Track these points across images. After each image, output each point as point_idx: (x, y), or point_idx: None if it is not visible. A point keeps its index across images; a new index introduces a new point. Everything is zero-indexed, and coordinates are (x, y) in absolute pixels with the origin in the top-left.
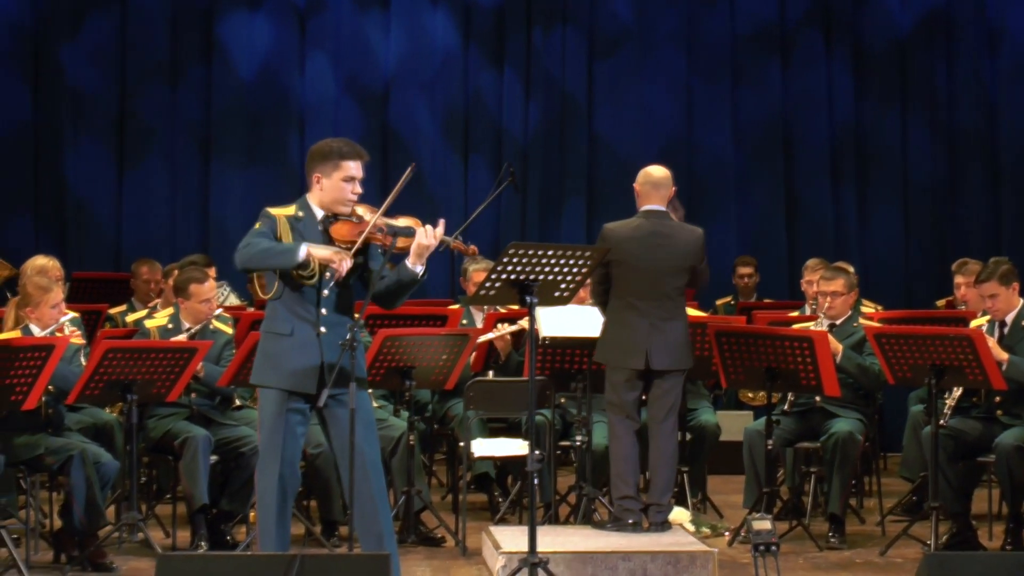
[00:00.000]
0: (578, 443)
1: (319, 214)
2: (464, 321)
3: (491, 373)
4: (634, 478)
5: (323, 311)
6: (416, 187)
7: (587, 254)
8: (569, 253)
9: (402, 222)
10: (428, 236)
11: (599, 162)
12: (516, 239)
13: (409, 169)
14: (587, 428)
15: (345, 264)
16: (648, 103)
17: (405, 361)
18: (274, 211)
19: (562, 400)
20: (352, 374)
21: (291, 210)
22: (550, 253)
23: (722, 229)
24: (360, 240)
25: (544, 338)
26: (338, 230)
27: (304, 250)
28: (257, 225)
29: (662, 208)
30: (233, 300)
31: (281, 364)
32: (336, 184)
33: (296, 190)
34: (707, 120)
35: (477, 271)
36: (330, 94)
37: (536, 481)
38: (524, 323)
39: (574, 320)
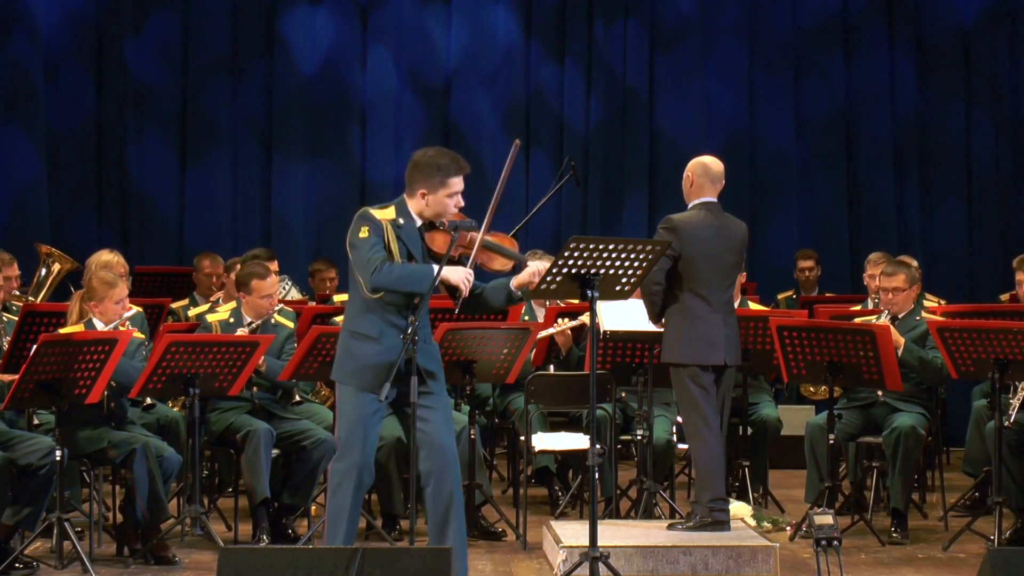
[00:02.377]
0: (639, 437)
1: (418, 222)
2: (525, 315)
3: (552, 367)
4: (723, 479)
5: (411, 318)
6: (477, 181)
7: (648, 247)
8: (630, 247)
9: (501, 242)
10: (535, 274)
11: (660, 156)
12: (577, 233)
13: (514, 150)
14: (648, 422)
15: (468, 287)
16: (710, 96)
17: (466, 355)
18: (377, 214)
19: (623, 394)
20: (413, 369)
21: (391, 213)
22: (611, 247)
23: (784, 223)
24: (472, 258)
25: (605, 332)
26: (433, 240)
27: (438, 274)
28: (364, 231)
29: (715, 200)
30: (295, 294)
31: (367, 367)
32: (441, 200)
33: (357, 185)
34: (769, 113)
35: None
36: (391, 88)
37: (597, 475)
38: (585, 317)
39: (635, 314)
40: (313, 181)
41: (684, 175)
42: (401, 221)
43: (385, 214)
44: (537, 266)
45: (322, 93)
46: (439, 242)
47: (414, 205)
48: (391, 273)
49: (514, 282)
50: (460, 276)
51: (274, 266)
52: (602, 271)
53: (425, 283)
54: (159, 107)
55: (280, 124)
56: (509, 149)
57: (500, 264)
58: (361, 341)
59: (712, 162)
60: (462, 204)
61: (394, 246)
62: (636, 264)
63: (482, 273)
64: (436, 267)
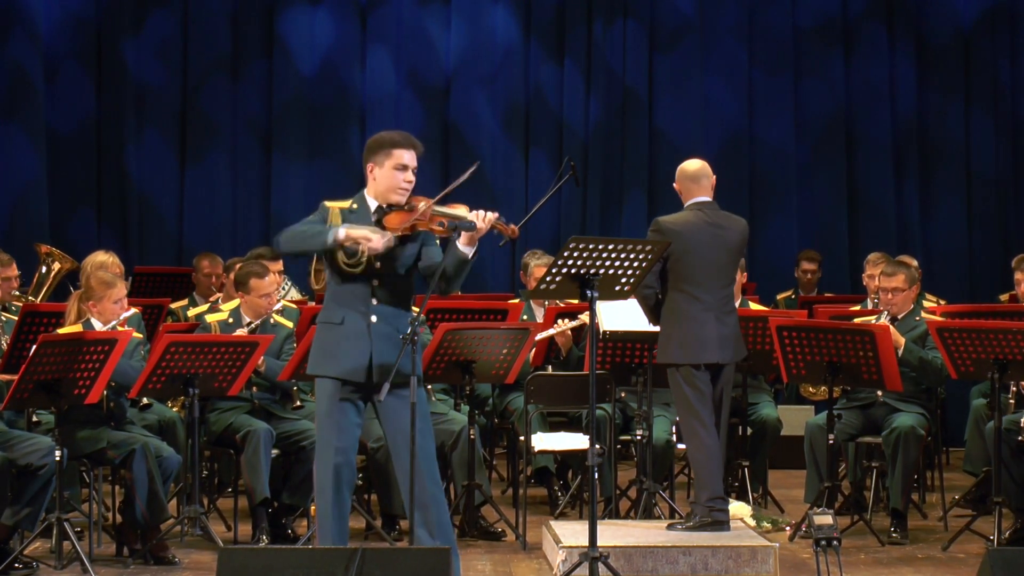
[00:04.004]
0: (638, 437)
1: (373, 205)
2: (525, 316)
3: (551, 367)
4: (721, 478)
5: (374, 300)
6: (477, 181)
7: (648, 247)
8: (630, 247)
9: (455, 210)
10: (481, 220)
11: (660, 156)
12: (577, 233)
13: (473, 167)
14: (647, 422)
15: (378, 242)
16: (709, 96)
17: (466, 355)
18: (329, 203)
19: (622, 394)
20: (413, 368)
21: (346, 203)
22: (611, 247)
23: (784, 223)
24: (408, 224)
25: (604, 332)
26: (390, 219)
27: (341, 232)
28: (312, 215)
29: (709, 199)
30: (294, 294)
31: (333, 353)
32: (388, 172)
33: (357, 184)
34: (769, 113)
35: (538, 266)
36: (391, 88)
37: (596, 475)
38: (584, 317)
39: (634, 314)
40: (313, 181)
41: (676, 181)
42: (355, 207)
43: (339, 203)
44: (479, 213)
45: (321, 93)
46: (395, 220)
47: (369, 189)
48: (291, 230)
49: (461, 241)
50: (364, 231)
51: (278, 266)
52: (602, 271)
53: (321, 238)
54: (158, 107)
55: (279, 124)
56: (509, 149)
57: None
58: (327, 329)
59: (688, 164)
60: (412, 180)
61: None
62: (635, 264)
63: (433, 247)
64: (341, 227)
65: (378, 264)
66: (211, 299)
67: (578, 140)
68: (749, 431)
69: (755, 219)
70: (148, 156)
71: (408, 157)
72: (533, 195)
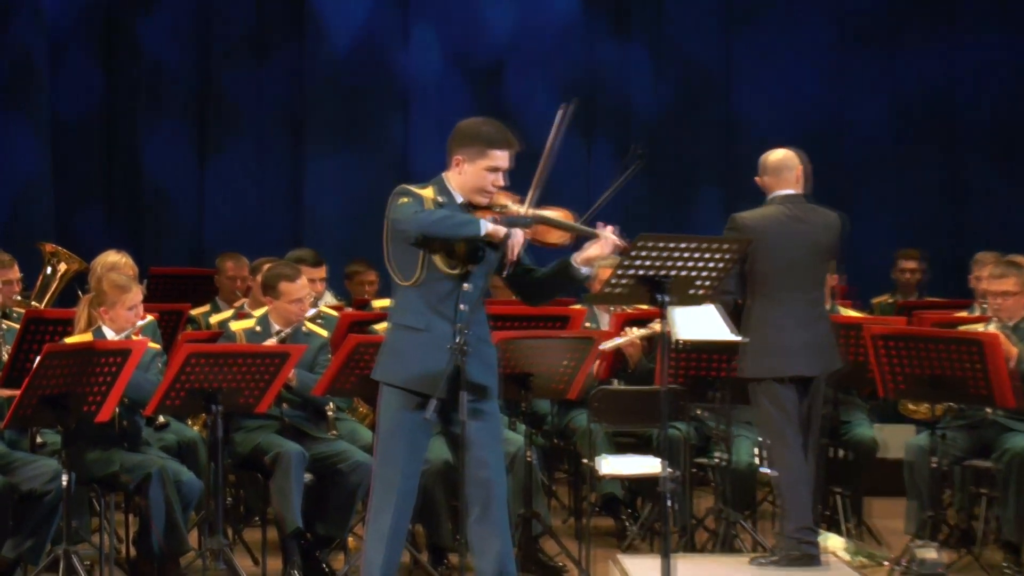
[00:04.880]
0: (717, 460)
1: (459, 199)
2: (588, 323)
3: (618, 381)
4: (811, 506)
5: (462, 306)
6: (534, 172)
7: (727, 246)
8: (705, 245)
9: (554, 214)
10: (612, 245)
11: (737, 144)
12: (646, 230)
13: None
14: (727, 443)
15: (520, 247)
16: (792, 77)
17: (522, 367)
18: (416, 189)
19: (699, 412)
20: (462, 382)
21: (430, 192)
22: (684, 246)
23: (879, 219)
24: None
25: (678, 341)
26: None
27: (490, 226)
28: (404, 200)
29: (795, 191)
30: (329, 299)
31: (410, 362)
32: (478, 172)
33: (398, 175)
34: (861, 96)
35: (603, 267)
36: (436, 70)
37: (670, 503)
38: (656, 325)
39: (712, 321)
40: (349, 173)
41: (759, 172)
42: (441, 199)
43: (424, 191)
44: (610, 236)
45: (359, 76)
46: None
47: (452, 179)
48: (433, 213)
49: (578, 256)
50: (517, 239)
51: (320, 272)
52: (674, 273)
53: (473, 227)
54: (176, 92)
55: (312, 110)
56: (568, 138)
57: (557, 236)
58: (406, 335)
59: (770, 155)
60: (502, 183)
61: None
62: (713, 265)
63: (539, 253)
64: (483, 221)
65: (471, 267)
66: (236, 304)
67: (645, 127)
68: (842, 453)
69: (848, 214)
70: (164, 146)
71: (503, 159)
72: (596, 188)
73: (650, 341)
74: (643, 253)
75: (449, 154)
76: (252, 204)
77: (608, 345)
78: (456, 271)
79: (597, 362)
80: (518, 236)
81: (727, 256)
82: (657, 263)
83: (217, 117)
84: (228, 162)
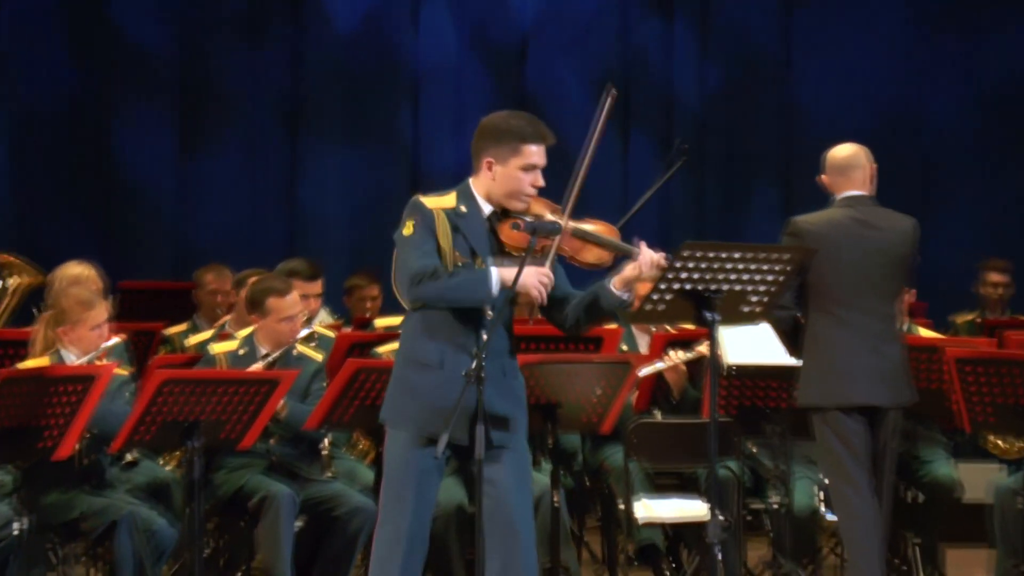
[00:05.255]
0: (774, 505)
1: (486, 209)
2: (624, 345)
3: (659, 413)
4: (882, 558)
5: (484, 335)
6: (560, 168)
7: (785, 256)
8: (762, 255)
9: (593, 229)
10: (649, 265)
11: (798, 138)
12: (691, 237)
13: (610, 98)
14: (785, 484)
15: (546, 290)
16: (860, 61)
17: (548, 396)
18: (428, 202)
19: (753, 448)
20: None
21: (450, 200)
22: (736, 255)
23: (960, 223)
24: (552, 253)
25: (729, 366)
26: (511, 233)
27: (495, 279)
28: (409, 225)
29: (863, 192)
30: (325, 318)
31: (423, 404)
32: (513, 174)
33: (408, 172)
34: (939, 83)
35: (642, 280)
36: (451, 53)
37: (719, 554)
38: (703, 347)
39: (768, 343)
40: (351, 171)
41: (821, 171)
42: (463, 208)
43: (440, 201)
44: (651, 255)
45: (363, 61)
46: (518, 235)
47: (480, 183)
48: (436, 283)
49: (616, 280)
50: (532, 281)
51: (316, 288)
52: (725, 287)
53: (481, 291)
54: (154, 78)
55: (310, 100)
56: (591, 132)
57: (595, 256)
58: (418, 371)
59: (837, 151)
60: (541, 184)
61: (445, 241)
62: (769, 278)
63: (573, 270)
64: (491, 270)
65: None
66: (217, 324)
67: (691, 118)
68: (919, 496)
69: (924, 219)
70: (140, 140)
71: (539, 155)
72: (634, 188)
73: (696, 366)
74: (688, 264)
75: (475, 157)
76: (240, 207)
77: (647, 370)
78: None
79: (635, 390)
80: (531, 278)
81: (785, 267)
82: (704, 275)
83: (202, 108)
84: (214, 159)
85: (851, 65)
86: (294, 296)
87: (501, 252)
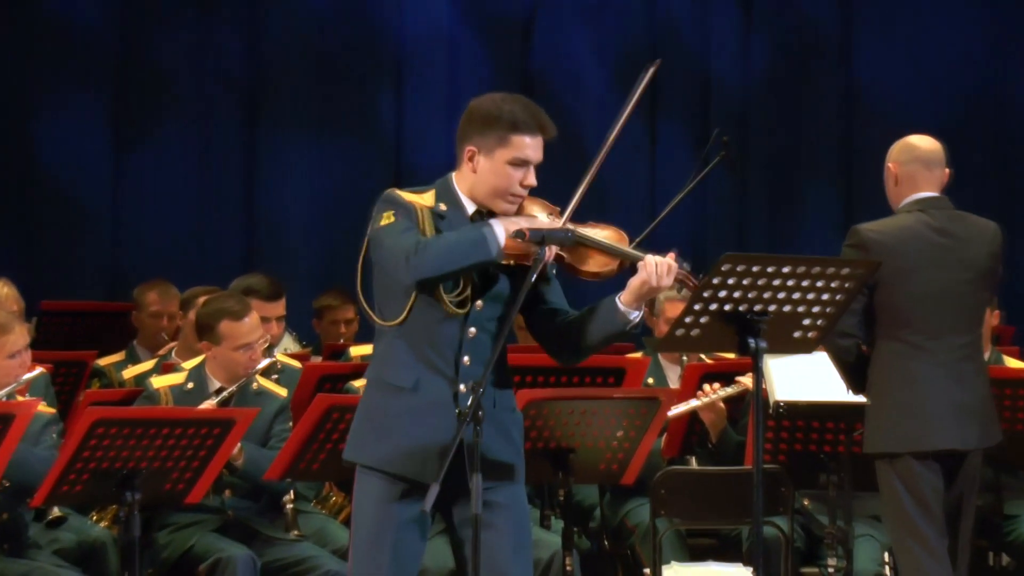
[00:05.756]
0: (831, 570)
1: (469, 208)
2: (651, 378)
3: (694, 460)
4: None
5: (465, 359)
6: (572, 163)
7: (847, 271)
8: (817, 270)
9: (597, 233)
10: (662, 274)
11: (861, 127)
12: (732, 248)
13: (652, 69)
14: (845, 546)
15: (549, 256)
16: (934, 38)
17: (558, 440)
18: (407, 197)
19: (805, 502)
20: (475, 460)
21: (428, 199)
22: (786, 270)
23: None
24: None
25: (777, 404)
26: (508, 241)
27: (500, 235)
28: (387, 216)
29: (938, 194)
30: (290, 344)
31: (392, 434)
32: (499, 168)
33: (390, 170)
34: (1022, 64)
35: (672, 301)
36: (441, 26)
37: None
38: (746, 380)
39: (825, 376)
40: (321, 169)
41: (885, 167)
42: (443, 207)
43: (419, 198)
44: (658, 260)
45: (336, 35)
46: (514, 241)
47: (463, 178)
48: (430, 248)
49: (623, 295)
50: (542, 222)
51: (278, 309)
52: (772, 308)
53: (483, 248)
54: (85, 58)
55: (272, 82)
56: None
57: (598, 264)
58: (388, 395)
59: (919, 140)
60: (532, 183)
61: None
62: (826, 297)
63: (571, 282)
64: (493, 224)
65: (479, 303)
66: (160, 352)
67: (732, 105)
68: (1004, 559)
69: (1009, 227)
70: (69, 131)
71: (533, 148)
72: (662, 189)
73: (737, 403)
74: (728, 281)
75: (458, 145)
76: (187, 212)
77: (679, 409)
78: (462, 310)
79: (663, 433)
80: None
81: (847, 284)
82: (747, 294)
83: (142, 92)
84: (156, 154)
85: (922, 42)
86: (252, 319)
87: (497, 265)
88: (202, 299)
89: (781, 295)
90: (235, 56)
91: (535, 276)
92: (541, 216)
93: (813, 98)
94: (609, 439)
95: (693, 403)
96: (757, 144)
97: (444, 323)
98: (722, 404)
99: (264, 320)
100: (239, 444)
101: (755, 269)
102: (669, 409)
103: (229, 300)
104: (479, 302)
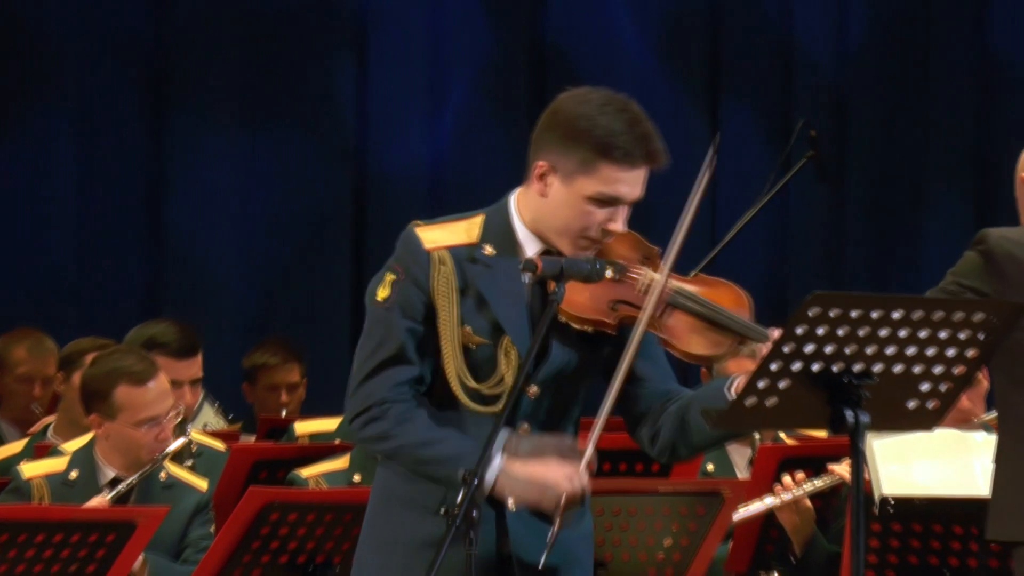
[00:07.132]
0: None
1: (529, 248)
2: (710, 465)
3: (776, 574)
4: None
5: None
6: None
7: (978, 316)
8: (940, 315)
9: (700, 292)
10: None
11: (999, 117)
12: (824, 285)
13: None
14: None
15: (575, 482)
16: None
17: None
18: (428, 236)
19: None
20: None
21: (468, 233)
22: (897, 316)
23: None
24: (641, 326)
25: (886, 501)
26: (574, 297)
27: (495, 475)
28: (385, 284)
29: None
30: (212, 419)
31: (411, 560)
32: (575, 201)
33: (350, 175)
34: None
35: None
36: None
37: None
38: (841, 469)
39: (948, 462)
40: (254, 170)
41: (1016, 177)
42: (487, 249)
43: (451, 235)
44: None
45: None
46: (583, 297)
47: (527, 201)
48: (406, 438)
49: (741, 380)
50: (556, 476)
51: (192, 370)
52: (878, 368)
53: (446, 475)
54: None
55: (186, 57)
56: (673, 105)
57: (700, 344)
58: (406, 514)
59: None
60: (619, 228)
61: (447, 312)
62: (952, 353)
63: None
64: (498, 458)
65: (533, 389)
66: (33, 430)
67: (822, 88)
68: None
69: None
70: None
71: (630, 183)
72: (727, 201)
73: (830, 501)
74: (818, 330)
75: (531, 153)
76: (69, 231)
77: (750, 509)
78: (495, 406)
79: (729, 540)
80: (554, 473)
81: (981, 336)
82: (844, 348)
83: (20, 72)
84: (26, 149)
85: None
86: (159, 384)
87: (555, 327)
88: (90, 357)
89: (890, 350)
90: (136, 22)
91: (547, 326)
92: (633, 260)
93: (934, 78)
94: (653, 549)
95: (769, 501)
96: (857, 139)
97: (479, 418)
98: (808, 502)
99: (175, 385)
100: (142, 556)
101: (854, 315)
102: (736, 508)
103: (127, 358)
104: (533, 387)
